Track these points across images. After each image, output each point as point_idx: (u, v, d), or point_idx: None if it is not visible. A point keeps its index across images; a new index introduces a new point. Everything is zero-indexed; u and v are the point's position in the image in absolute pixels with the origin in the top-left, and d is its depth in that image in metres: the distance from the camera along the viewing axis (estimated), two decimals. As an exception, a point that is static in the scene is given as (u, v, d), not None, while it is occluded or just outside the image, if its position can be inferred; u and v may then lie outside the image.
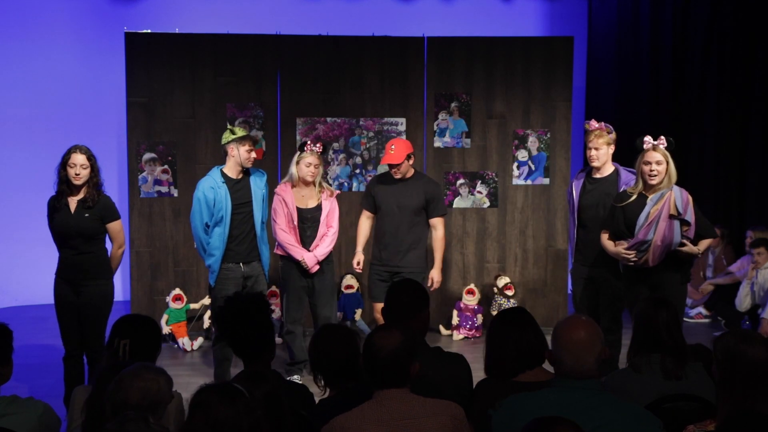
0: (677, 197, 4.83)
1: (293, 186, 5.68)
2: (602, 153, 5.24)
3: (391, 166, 5.53)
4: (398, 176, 5.56)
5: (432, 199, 5.62)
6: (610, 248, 5.03)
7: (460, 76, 7.21)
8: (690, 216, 4.84)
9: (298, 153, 5.66)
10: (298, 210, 5.65)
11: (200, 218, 5.35)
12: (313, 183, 5.67)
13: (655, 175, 4.85)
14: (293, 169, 5.65)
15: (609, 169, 5.33)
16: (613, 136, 5.27)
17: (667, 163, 4.87)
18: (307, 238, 5.66)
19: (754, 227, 7.55)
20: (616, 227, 5.01)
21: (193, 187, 6.96)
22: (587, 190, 5.34)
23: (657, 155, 4.85)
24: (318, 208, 5.68)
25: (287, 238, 5.63)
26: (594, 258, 5.27)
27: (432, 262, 5.77)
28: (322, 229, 5.66)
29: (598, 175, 5.33)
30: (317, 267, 5.64)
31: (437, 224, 5.67)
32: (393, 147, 5.50)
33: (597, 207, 5.26)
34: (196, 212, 5.38)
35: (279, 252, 5.74)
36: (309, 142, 5.63)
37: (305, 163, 5.60)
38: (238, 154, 5.35)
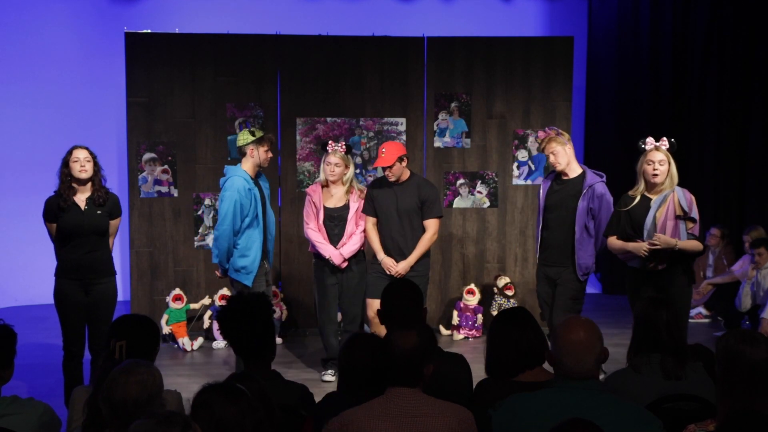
0: (681, 197, 4.85)
1: (324, 186, 5.82)
2: (560, 156, 5.28)
3: (383, 168, 5.54)
4: (392, 179, 5.53)
5: (426, 200, 5.57)
6: (626, 246, 4.96)
7: (460, 76, 7.21)
8: (695, 214, 4.85)
9: (325, 154, 5.78)
10: (325, 209, 5.76)
11: (235, 221, 5.32)
12: (342, 182, 5.76)
13: (658, 174, 4.87)
14: (322, 171, 5.80)
15: (576, 170, 5.35)
16: (562, 136, 5.31)
17: (669, 163, 4.89)
18: (334, 237, 5.75)
19: (748, 229, 7.53)
20: (622, 231, 5.00)
21: (193, 187, 6.98)
22: (554, 191, 5.38)
23: (659, 155, 4.89)
24: (345, 207, 5.76)
25: (316, 236, 5.77)
26: (554, 258, 5.34)
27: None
28: (350, 228, 5.74)
29: (565, 177, 5.35)
30: (345, 264, 5.72)
31: (429, 225, 5.60)
32: (384, 150, 5.48)
33: (560, 208, 5.30)
34: (229, 215, 5.29)
35: (312, 250, 5.87)
36: (331, 142, 5.73)
37: (326, 163, 5.72)
38: (258, 155, 5.42)
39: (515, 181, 7.25)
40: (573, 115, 7.41)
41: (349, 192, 5.78)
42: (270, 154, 5.49)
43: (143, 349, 3.13)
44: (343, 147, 5.71)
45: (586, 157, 8.56)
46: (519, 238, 7.29)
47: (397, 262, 5.57)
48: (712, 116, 8.57)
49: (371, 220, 5.68)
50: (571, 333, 2.70)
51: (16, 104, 8.19)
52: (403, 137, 7.15)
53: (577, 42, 7.54)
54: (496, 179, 7.24)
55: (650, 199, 4.93)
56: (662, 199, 4.87)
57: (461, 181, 7.24)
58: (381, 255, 5.59)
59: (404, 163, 5.54)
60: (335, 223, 5.76)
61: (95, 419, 2.73)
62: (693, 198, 4.91)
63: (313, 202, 5.79)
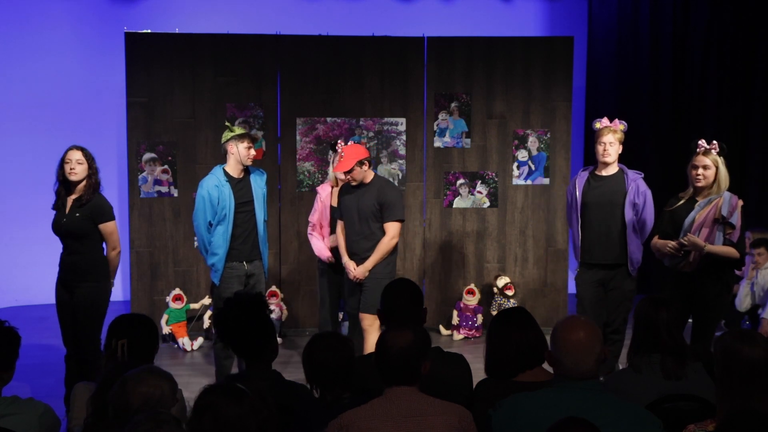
0: (725, 202, 4.79)
1: (334, 186, 5.83)
2: (614, 149, 5.20)
3: (345, 173, 5.41)
4: (353, 183, 5.42)
5: (383, 203, 5.33)
6: (655, 244, 5.01)
7: (460, 76, 7.21)
8: (735, 220, 4.78)
9: (332, 154, 5.77)
10: (332, 208, 5.77)
11: (203, 217, 5.32)
12: None
13: (701, 179, 4.84)
14: (330, 169, 5.81)
15: (615, 167, 5.28)
16: (622, 136, 5.25)
17: (717, 168, 4.84)
18: None
19: (753, 228, 7.54)
20: (663, 231, 5.00)
21: (193, 187, 6.99)
22: (592, 187, 5.27)
23: (705, 160, 4.84)
24: None
25: (313, 234, 5.86)
26: (605, 256, 5.23)
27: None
28: None
29: (603, 173, 5.27)
30: (331, 259, 5.76)
31: (387, 228, 5.36)
32: (343, 154, 5.38)
33: (604, 204, 5.21)
34: (199, 211, 5.33)
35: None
36: (340, 141, 5.74)
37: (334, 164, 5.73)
38: (238, 152, 5.33)
39: (515, 181, 7.25)
40: (573, 115, 7.41)
41: None
42: (252, 152, 5.37)
43: (143, 348, 3.13)
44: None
45: (586, 158, 8.56)
46: (519, 238, 7.29)
47: (358, 265, 5.42)
48: (712, 116, 8.57)
49: (340, 223, 5.58)
50: (570, 333, 2.70)
51: (16, 104, 8.19)
52: (403, 137, 7.16)
53: (577, 42, 7.54)
54: (496, 179, 7.24)
55: (696, 202, 4.90)
56: (706, 202, 4.83)
57: (461, 181, 7.24)
58: (344, 258, 5.49)
59: (365, 167, 5.34)
60: None
61: (98, 419, 2.72)
62: (739, 204, 4.82)
63: (321, 201, 5.84)
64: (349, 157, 5.31)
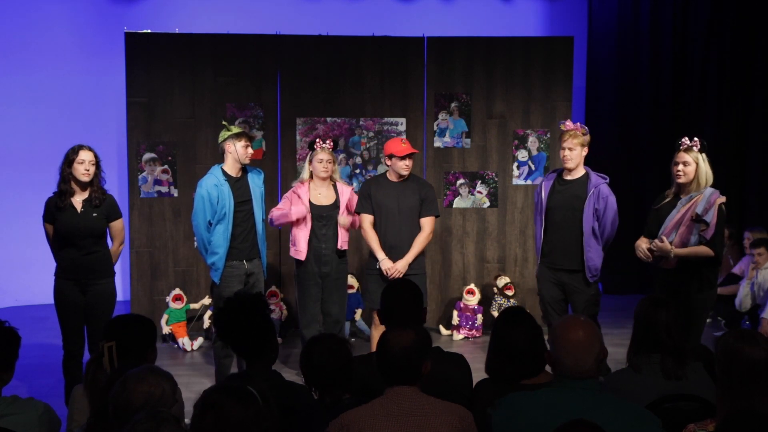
0: (704, 199, 4.78)
1: (310, 181, 5.76)
2: (576, 154, 5.18)
3: (402, 159, 5.42)
4: (406, 172, 5.47)
5: (425, 199, 5.52)
6: (637, 244, 5.04)
7: (460, 76, 7.21)
8: (710, 217, 4.76)
9: (310, 152, 5.73)
10: (313, 206, 5.69)
11: (203, 216, 5.35)
12: (330, 179, 5.76)
13: (681, 175, 4.84)
14: (306, 169, 5.73)
15: (580, 171, 5.26)
16: (587, 138, 5.23)
17: (698, 165, 4.83)
18: (323, 236, 5.70)
19: (753, 228, 7.55)
20: (649, 229, 5.01)
21: (193, 187, 6.99)
22: (556, 191, 5.26)
23: (686, 156, 4.84)
24: (335, 206, 5.73)
25: (278, 210, 5.74)
26: (561, 261, 5.23)
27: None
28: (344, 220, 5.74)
29: (569, 177, 5.26)
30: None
31: (426, 223, 5.53)
32: (404, 140, 5.51)
33: (565, 209, 5.20)
34: (198, 210, 5.36)
35: (294, 255, 5.77)
36: (318, 140, 5.71)
37: (317, 160, 5.66)
38: (235, 150, 5.37)
39: (515, 181, 7.25)
40: (573, 115, 7.41)
41: (335, 188, 5.77)
42: (250, 150, 5.42)
43: (135, 350, 3.09)
44: (331, 144, 5.70)
45: (585, 158, 8.55)
46: (519, 238, 7.29)
47: (395, 260, 5.47)
48: (712, 116, 8.57)
49: (368, 218, 5.57)
50: (569, 333, 2.70)
51: (17, 104, 8.19)
52: (403, 137, 7.14)
53: (577, 42, 7.54)
54: (496, 179, 7.24)
55: (680, 200, 4.90)
56: (687, 200, 4.83)
57: (461, 181, 7.24)
58: (382, 255, 5.48)
59: None
60: (323, 222, 5.71)
61: (100, 420, 2.72)
62: (718, 201, 4.78)
63: (298, 195, 5.69)
64: (409, 145, 5.48)
